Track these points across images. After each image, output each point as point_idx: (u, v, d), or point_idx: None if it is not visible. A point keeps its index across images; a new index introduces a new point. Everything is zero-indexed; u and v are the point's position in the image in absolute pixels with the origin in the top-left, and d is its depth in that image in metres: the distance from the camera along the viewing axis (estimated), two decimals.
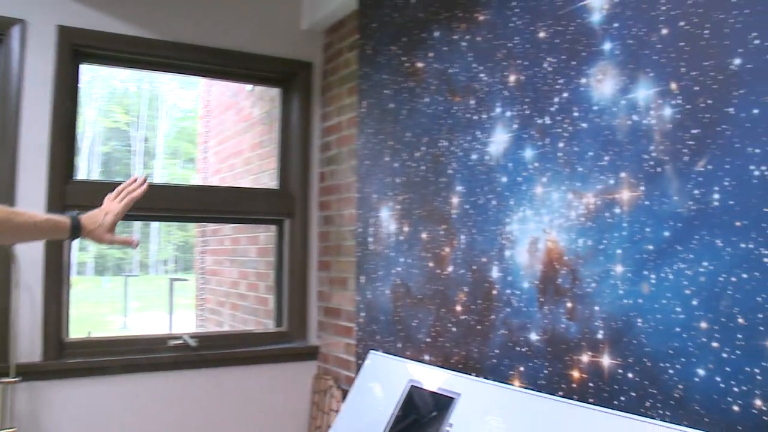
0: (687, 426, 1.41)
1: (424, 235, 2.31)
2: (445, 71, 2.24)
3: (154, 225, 20.14)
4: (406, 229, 2.41)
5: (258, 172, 3.89)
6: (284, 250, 3.17)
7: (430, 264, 2.27)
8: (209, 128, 4.71)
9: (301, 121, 3.16)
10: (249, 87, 4.03)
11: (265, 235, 3.81)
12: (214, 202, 3.03)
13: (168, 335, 2.87)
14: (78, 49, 2.72)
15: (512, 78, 1.96)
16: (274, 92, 3.64)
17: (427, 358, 2.24)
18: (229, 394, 2.91)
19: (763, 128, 1.33)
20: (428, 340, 2.26)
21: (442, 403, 1.84)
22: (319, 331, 3.16)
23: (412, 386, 1.99)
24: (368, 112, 2.66)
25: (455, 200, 2.17)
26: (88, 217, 1.71)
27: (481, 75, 2.08)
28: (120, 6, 2.79)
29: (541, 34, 1.87)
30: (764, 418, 1.31)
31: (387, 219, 2.52)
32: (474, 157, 2.10)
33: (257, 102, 3.96)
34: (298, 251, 3.15)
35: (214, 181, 4.35)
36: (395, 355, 2.35)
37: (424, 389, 1.94)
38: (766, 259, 1.32)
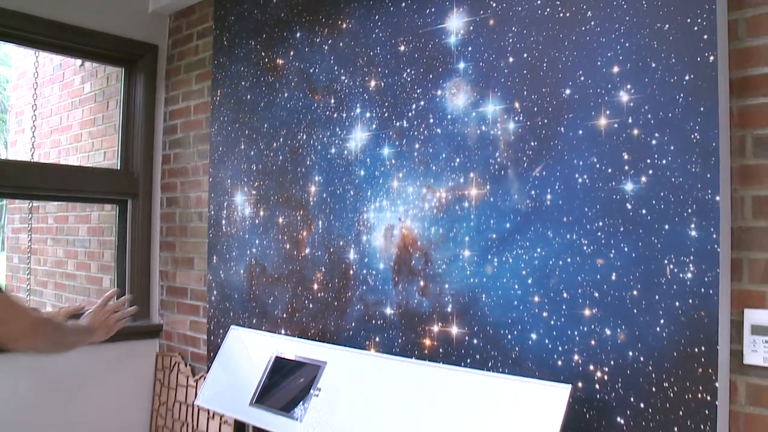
0: (521, 376, 1.73)
1: (280, 220, 2.47)
2: (306, 70, 2.40)
3: None
4: (262, 213, 2.54)
5: (90, 150, 3.76)
6: (127, 230, 3.14)
7: (287, 246, 2.44)
8: (27, 101, 4.41)
9: (146, 103, 3.14)
10: (79, 62, 3.87)
11: (99, 214, 3.71)
12: (49, 179, 2.94)
13: None
14: None
15: (372, 83, 2.18)
16: (110, 70, 3.55)
17: (283, 332, 2.41)
18: (71, 374, 2.86)
19: (586, 146, 1.67)
20: (285, 315, 2.43)
21: (309, 370, 2.03)
22: (161, 309, 3.19)
23: (276, 357, 2.15)
24: (223, 101, 2.74)
25: (313, 189, 2.35)
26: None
27: (342, 77, 2.27)
28: None
29: (402, 48, 2.10)
30: (580, 369, 1.67)
31: (242, 203, 2.63)
32: (333, 151, 2.29)
33: (89, 78, 3.82)
34: (141, 231, 3.15)
35: (35, 157, 4.12)
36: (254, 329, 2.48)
37: (289, 359, 2.11)
38: (585, 247, 1.67)
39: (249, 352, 2.28)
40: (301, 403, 1.96)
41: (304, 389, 1.99)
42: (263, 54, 2.58)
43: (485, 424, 1.58)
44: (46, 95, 4.18)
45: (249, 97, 2.62)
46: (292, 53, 2.46)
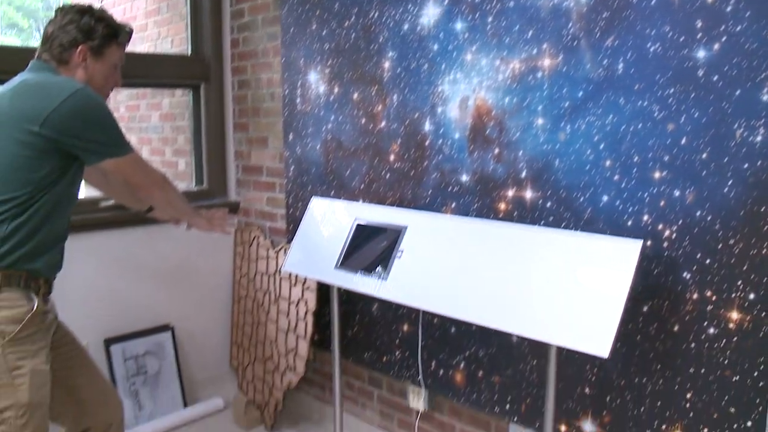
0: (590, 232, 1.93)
1: (355, 96, 2.65)
2: None
3: None
4: (336, 90, 2.73)
5: (156, 38, 3.95)
6: (201, 114, 3.37)
7: (362, 120, 2.63)
8: None
9: None
10: None
11: (170, 100, 3.93)
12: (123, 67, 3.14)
13: (99, 197, 3.05)
14: None
15: None
16: None
17: (361, 201, 2.65)
18: (160, 249, 3.18)
19: (659, 15, 1.79)
20: (362, 186, 2.66)
21: (390, 234, 2.27)
22: (238, 188, 3.46)
23: (358, 223, 2.40)
24: None
25: (387, 64, 2.51)
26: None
27: None
28: None
29: None
30: (649, 228, 1.86)
31: (316, 82, 2.82)
32: (405, 27, 2.43)
33: None
34: (215, 114, 3.37)
35: None
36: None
37: (370, 224, 2.35)
38: (656, 113, 1.82)
39: (331, 220, 2.52)
40: (385, 263, 2.22)
41: (386, 251, 2.24)
42: None
43: (561, 279, 1.80)
44: None
45: None
46: None
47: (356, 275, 2.27)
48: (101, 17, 2.00)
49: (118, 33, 2.04)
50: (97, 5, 2.03)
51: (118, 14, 4.30)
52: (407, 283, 2.12)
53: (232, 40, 3.36)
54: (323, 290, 2.86)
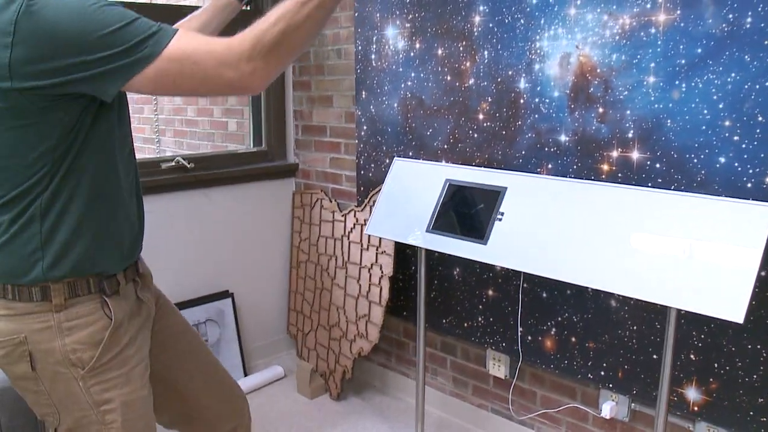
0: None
1: (439, 52, 2.68)
2: None
3: None
4: (418, 45, 2.76)
5: None
6: None
7: (448, 77, 2.67)
8: None
9: None
10: None
11: None
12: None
13: (160, 158, 3.11)
14: None
15: None
16: None
17: (444, 162, 2.70)
18: (218, 213, 3.24)
19: None
20: (446, 146, 2.71)
21: (489, 195, 2.32)
22: (296, 149, 3.51)
23: (450, 184, 2.45)
24: None
25: (477, 19, 2.54)
26: None
27: None
28: None
29: None
30: None
31: (394, 37, 2.85)
32: None
33: None
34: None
35: None
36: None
37: (465, 185, 2.40)
38: None
39: (418, 181, 2.57)
40: (483, 226, 2.27)
41: (484, 214, 2.29)
42: None
43: (681, 242, 1.85)
44: None
45: None
46: None
47: (452, 238, 2.32)
48: None
49: None
50: None
51: None
52: (509, 247, 2.18)
53: None
54: (400, 254, 2.92)
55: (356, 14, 3.00)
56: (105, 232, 1.45)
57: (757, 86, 1.91)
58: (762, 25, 1.88)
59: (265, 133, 3.47)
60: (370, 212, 2.92)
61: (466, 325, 2.78)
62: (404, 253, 2.95)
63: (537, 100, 2.40)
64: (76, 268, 1.40)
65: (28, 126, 1.29)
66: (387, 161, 2.93)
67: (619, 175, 2.22)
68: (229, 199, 3.27)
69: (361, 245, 3.03)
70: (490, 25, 2.50)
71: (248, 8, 2.11)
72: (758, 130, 1.92)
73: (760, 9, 1.88)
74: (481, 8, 2.53)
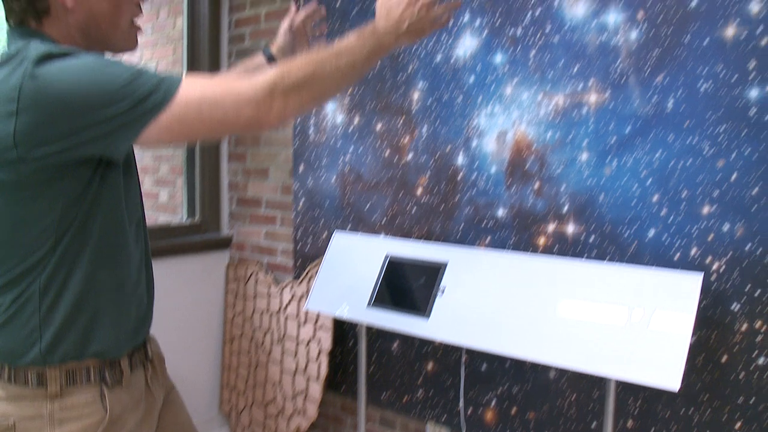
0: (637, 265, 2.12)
1: (378, 126, 2.81)
2: None
3: None
4: (357, 120, 2.88)
5: (140, 62, 4.03)
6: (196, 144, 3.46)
7: (387, 152, 2.78)
8: None
9: (212, 11, 3.40)
10: None
11: None
12: None
13: None
14: None
15: None
16: None
17: (383, 235, 2.79)
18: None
19: (710, 55, 2.02)
20: (384, 220, 2.80)
21: (430, 270, 2.41)
22: (231, 221, 3.55)
23: (390, 258, 2.53)
24: None
25: (416, 95, 2.68)
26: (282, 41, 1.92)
27: None
28: None
29: None
30: (696, 261, 2.06)
31: (332, 111, 2.96)
32: (438, 58, 2.61)
33: None
34: (210, 144, 3.47)
35: None
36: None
37: (407, 260, 2.49)
38: (705, 150, 2.03)
39: (358, 255, 2.65)
40: (425, 301, 2.35)
41: (426, 288, 2.37)
42: None
43: (617, 313, 1.97)
44: None
45: (339, 5, 2.91)
46: None
47: (392, 313, 2.39)
48: None
49: None
50: None
51: None
52: (451, 321, 2.26)
53: (229, 66, 3.48)
54: (338, 329, 2.96)
55: None
56: (108, 307, 1.38)
57: (681, 164, 2.08)
58: (682, 108, 2.07)
59: (198, 205, 3.50)
60: (308, 286, 2.97)
61: (405, 398, 2.82)
62: (342, 327, 3.00)
63: (475, 175, 2.53)
64: (75, 349, 1.34)
65: (32, 198, 1.25)
66: (325, 235, 3.01)
67: (556, 247, 2.35)
68: (160, 272, 3.24)
69: (299, 320, 3.07)
70: (429, 101, 2.64)
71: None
72: (683, 205, 2.08)
73: (680, 93, 2.07)
74: (420, 84, 2.67)
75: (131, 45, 1.46)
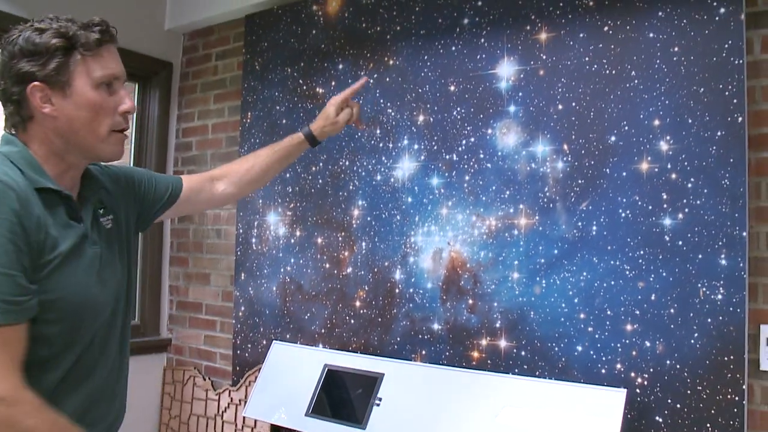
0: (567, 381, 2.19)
1: (319, 240, 2.87)
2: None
3: None
4: (298, 233, 2.94)
5: None
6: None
7: (326, 265, 2.84)
8: None
9: (160, 119, 3.48)
10: None
11: None
12: None
13: None
14: None
15: (421, 118, 2.62)
16: None
17: (321, 346, 2.81)
18: None
19: (629, 185, 2.17)
20: (323, 331, 2.83)
21: (367, 381, 2.44)
22: (170, 324, 3.52)
23: (328, 369, 2.55)
24: (254, 124, 3.12)
25: (356, 212, 2.77)
26: (319, 120, 2.10)
27: (389, 110, 2.70)
28: None
29: (452, 88, 2.55)
30: (622, 376, 2.15)
31: (275, 223, 3.02)
32: (378, 178, 2.71)
33: None
34: (151, 245, 3.47)
35: None
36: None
37: (343, 371, 2.52)
38: (627, 272, 2.16)
39: (297, 365, 2.66)
40: (362, 411, 2.37)
41: (364, 399, 2.40)
42: (301, 81, 2.98)
43: (545, 428, 2.03)
44: None
45: (284, 121, 3.02)
46: (333, 83, 2.87)
47: (330, 423, 2.40)
48: (42, 29, 1.37)
49: (77, 38, 1.37)
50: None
51: None
52: (385, 431, 2.28)
53: (175, 172, 3.53)
54: None
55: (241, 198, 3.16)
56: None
57: (605, 284, 2.19)
58: (605, 233, 2.20)
59: (139, 307, 3.46)
60: (246, 392, 2.95)
61: None
62: None
63: (411, 290, 2.60)
64: None
65: None
66: (264, 342, 3.01)
67: (489, 361, 2.41)
68: None
69: (236, 425, 3.03)
70: (369, 218, 2.73)
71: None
72: (608, 323, 2.18)
73: (602, 219, 2.20)
74: (360, 203, 2.76)
75: (112, 153, 1.47)
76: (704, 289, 2.04)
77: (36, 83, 1.35)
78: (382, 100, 2.73)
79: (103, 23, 1.41)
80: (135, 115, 3.53)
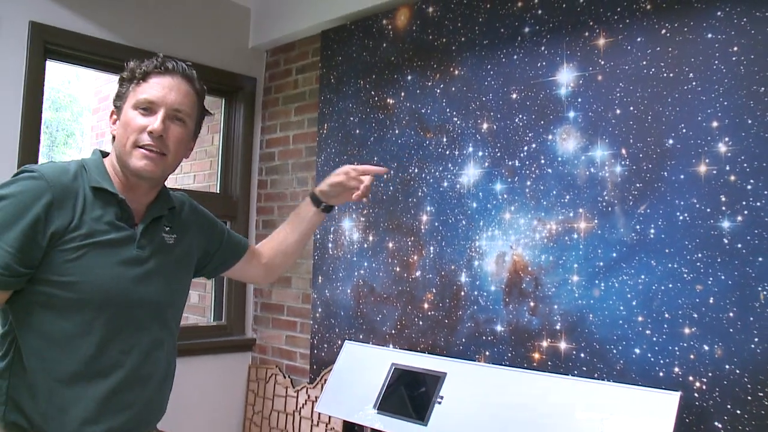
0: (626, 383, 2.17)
1: (390, 245, 2.94)
2: (418, 110, 2.88)
3: None
4: (371, 238, 3.02)
5: (178, 173, 4.27)
6: None
7: (397, 269, 2.91)
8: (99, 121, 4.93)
9: (245, 131, 3.64)
10: None
11: None
12: None
13: None
14: (48, 46, 2.97)
15: (485, 126, 2.65)
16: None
17: (391, 346, 2.88)
18: (177, 381, 3.32)
19: (687, 188, 2.13)
20: (393, 331, 2.89)
21: (430, 380, 2.49)
22: (255, 324, 3.66)
23: (395, 368, 2.61)
24: (329, 134, 3.23)
25: (424, 218, 2.82)
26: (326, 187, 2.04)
27: (455, 119, 2.75)
28: (89, 8, 3.09)
29: (513, 95, 2.57)
30: (680, 379, 2.11)
31: (350, 229, 3.11)
32: (445, 184, 2.76)
33: None
34: None
35: None
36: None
37: (409, 370, 2.57)
38: (685, 275, 2.12)
39: (366, 364, 2.74)
40: (424, 408, 2.42)
41: (427, 397, 2.45)
42: (372, 93, 3.07)
43: (601, 429, 2.02)
44: None
45: (358, 131, 3.11)
46: (402, 94, 2.95)
47: (394, 418, 2.46)
48: (127, 65, 1.67)
49: (134, 71, 1.63)
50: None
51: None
52: (447, 429, 2.32)
53: (259, 181, 3.69)
54: (349, 431, 3.01)
55: None
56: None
57: (663, 287, 2.16)
58: (663, 236, 2.17)
59: (225, 308, 3.63)
60: (322, 389, 3.04)
61: None
62: (352, 429, 3.04)
63: (476, 293, 2.63)
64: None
65: None
66: (339, 342, 3.10)
67: (549, 363, 2.41)
68: (188, 369, 3.36)
69: (312, 421, 3.13)
70: (436, 224, 2.78)
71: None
72: (665, 326, 2.15)
73: (660, 222, 2.17)
74: (428, 209, 2.81)
75: (135, 167, 1.60)
76: (765, 292, 1.99)
77: (113, 108, 1.67)
78: (448, 109, 2.78)
79: (159, 59, 1.64)
80: (221, 127, 3.71)
